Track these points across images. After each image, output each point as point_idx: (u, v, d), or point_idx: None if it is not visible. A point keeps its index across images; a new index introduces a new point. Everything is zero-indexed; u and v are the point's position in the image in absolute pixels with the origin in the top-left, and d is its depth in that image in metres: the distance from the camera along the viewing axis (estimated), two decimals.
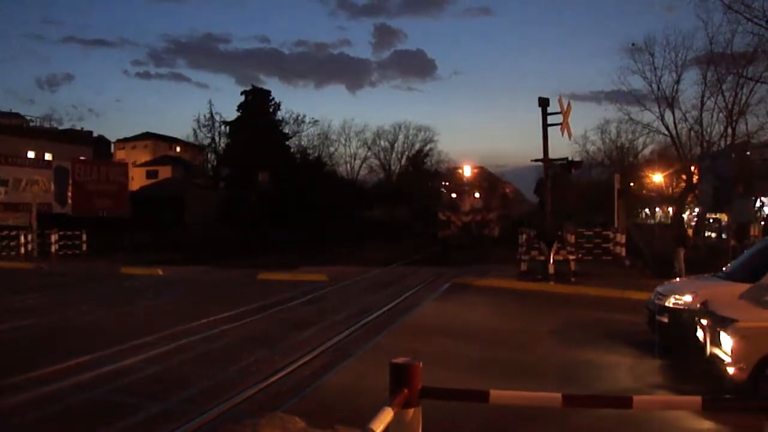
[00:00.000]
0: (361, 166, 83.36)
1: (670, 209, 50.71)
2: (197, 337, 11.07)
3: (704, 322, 8.18)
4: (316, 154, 71.31)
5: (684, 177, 42.45)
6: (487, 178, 42.50)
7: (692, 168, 40.14)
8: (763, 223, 32.97)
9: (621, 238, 22.54)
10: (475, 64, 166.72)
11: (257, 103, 64.24)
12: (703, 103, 38.64)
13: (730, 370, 7.13)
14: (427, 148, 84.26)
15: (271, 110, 65.57)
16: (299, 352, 9.83)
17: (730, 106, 37.12)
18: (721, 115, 38.25)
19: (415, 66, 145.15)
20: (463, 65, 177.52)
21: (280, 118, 66.78)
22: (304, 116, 70.57)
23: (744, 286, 9.47)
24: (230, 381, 8.32)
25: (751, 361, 7.02)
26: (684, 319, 9.51)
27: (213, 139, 68.09)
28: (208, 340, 10.89)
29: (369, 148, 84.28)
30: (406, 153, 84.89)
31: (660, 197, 51.99)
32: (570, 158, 29.39)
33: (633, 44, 41.62)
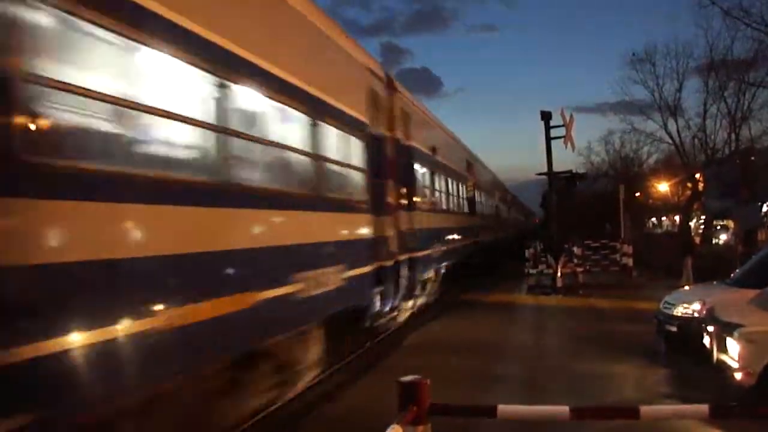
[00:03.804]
0: None
1: (677, 218, 50.57)
2: None
3: (711, 328, 8.20)
4: None
5: (689, 185, 42.40)
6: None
7: (697, 175, 40.13)
8: None
9: (628, 248, 22.51)
10: (480, 80, 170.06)
11: None
12: (705, 110, 38.73)
13: (738, 376, 7.14)
14: None
15: None
16: None
17: (732, 112, 37.18)
18: (724, 121, 38.33)
19: (421, 83, 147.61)
20: (469, 81, 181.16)
21: None
22: None
23: (752, 292, 9.46)
24: None
25: (758, 366, 7.03)
26: (692, 327, 9.51)
27: None
28: None
29: None
30: None
31: (666, 206, 51.96)
32: (574, 170, 29.56)
33: (633, 54, 41.87)
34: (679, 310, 10.38)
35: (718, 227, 43.81)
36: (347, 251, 8.78)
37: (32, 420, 3.57)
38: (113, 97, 4.31)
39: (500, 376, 9.59)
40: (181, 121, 5.12)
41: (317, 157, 7.86)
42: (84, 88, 4.06)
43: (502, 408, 4.03)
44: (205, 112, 5.45)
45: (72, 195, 3.96)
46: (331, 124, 8.34)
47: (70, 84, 3.95)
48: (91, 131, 4.31)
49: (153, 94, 4.76)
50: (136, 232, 4.57)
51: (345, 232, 8.98)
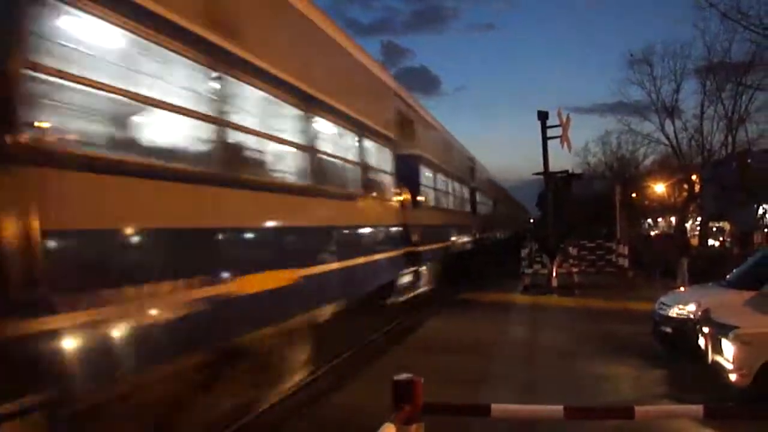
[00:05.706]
0: None
1: (673, 219, 50.67)
2: None
3: (705, 330, 8.20)
4: None
5: (686, 186, 42.50)
6: None
7: (694, 177, 40.20)
8: (766, 230, 33.01)
9: (624, 249, 22.51)
10: (479, 79, 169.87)
11: None
12: (702, 112, 38.81)
13: (732, 377, 7.14)
14: None
15: None
16: None
17: (729, 115, 37.23)
18: (721, 123, 38.39)
19: (420, 82, 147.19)
20: (467, 80, 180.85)
21: None
22: None
23: (747, 294, 9.47)
24: None
25: (753, 367, 7.04)
26: (688, 328, 9.51)
27: None
28: None
29: None
30: None
31: (662, 207, 52.03)
32: (571, 170, 29.60)
33: (631, 55, 42.01)
34: (675, 311, 10.36)
35: (714, 229, 43.91)
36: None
37: None
38: None
39: (494, 375, 9.58)
40: None
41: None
42: None
43: (496, 407, 4.01)
44: None
45: None
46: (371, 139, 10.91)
47: None
48: None
49: None
50: None
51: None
